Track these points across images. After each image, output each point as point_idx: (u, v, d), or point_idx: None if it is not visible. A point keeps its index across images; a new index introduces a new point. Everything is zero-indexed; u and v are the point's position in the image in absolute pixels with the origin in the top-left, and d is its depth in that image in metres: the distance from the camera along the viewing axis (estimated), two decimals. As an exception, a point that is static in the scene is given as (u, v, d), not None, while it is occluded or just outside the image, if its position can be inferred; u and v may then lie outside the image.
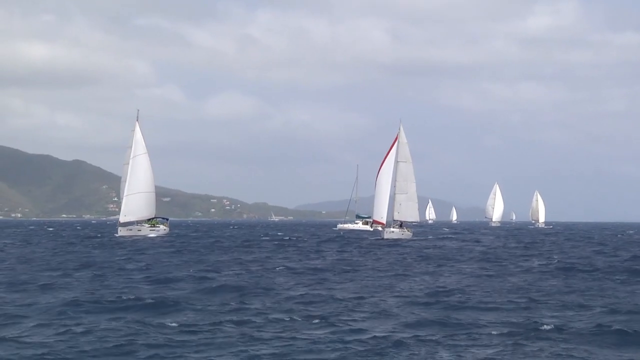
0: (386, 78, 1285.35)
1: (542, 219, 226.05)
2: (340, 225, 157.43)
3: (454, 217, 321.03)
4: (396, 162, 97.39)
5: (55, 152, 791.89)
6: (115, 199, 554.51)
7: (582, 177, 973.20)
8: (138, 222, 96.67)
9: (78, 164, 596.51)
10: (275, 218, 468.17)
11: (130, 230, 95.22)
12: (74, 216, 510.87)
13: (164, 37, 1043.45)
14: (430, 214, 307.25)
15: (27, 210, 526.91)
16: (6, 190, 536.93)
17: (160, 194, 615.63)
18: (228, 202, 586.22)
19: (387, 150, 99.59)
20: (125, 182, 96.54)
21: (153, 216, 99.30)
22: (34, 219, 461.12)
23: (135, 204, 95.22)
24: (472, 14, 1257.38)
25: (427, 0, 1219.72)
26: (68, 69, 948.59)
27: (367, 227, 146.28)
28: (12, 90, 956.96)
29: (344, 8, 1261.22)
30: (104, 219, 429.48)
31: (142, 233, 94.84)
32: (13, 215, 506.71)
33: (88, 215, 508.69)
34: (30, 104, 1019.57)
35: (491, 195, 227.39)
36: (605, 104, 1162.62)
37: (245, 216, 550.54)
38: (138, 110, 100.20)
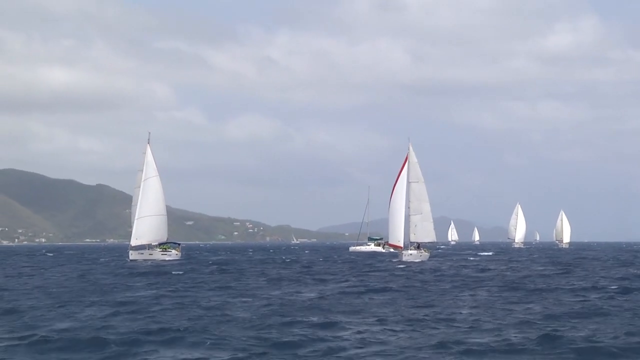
0: (407, 98, 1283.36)
1: (566, 239, 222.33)
2: (352, 248, 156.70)
3: (477, 237, 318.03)
4: (408, 182, 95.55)
5: (78, 176, 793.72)
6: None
7: (606, 196, 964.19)
8: (149, 247, 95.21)
9: (101, 188, 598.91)
10: (296, 240, 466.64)
11: (142, 254, 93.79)
12: (98, 240, 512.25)
13: (184, 60, 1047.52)
14: (453, 235, 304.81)
15: (51, 235, 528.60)
16: (30, 216, 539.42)
17: (184, 217, 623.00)
18: (251, 225, 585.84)
19: (399, 172, 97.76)
20: (137, 205, 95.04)
21: (165, 240, 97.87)
22: (60, 243, 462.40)
23: (146, 227, 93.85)
24: (492, 33, 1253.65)
25: (447, 19, 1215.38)
26: (89, 93, 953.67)
27: (380, 249, 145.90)
28: (34, 115, 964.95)
29: (363, 29, 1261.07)
30: (127, 242, 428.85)
31: (153, 257, 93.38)
32: (37, 240, 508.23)
33: (111, 240, 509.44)
34: (52, 128, 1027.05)
35: (513, 216, 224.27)
36: (628, 122, 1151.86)
37: (268, 239, 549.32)
38: (149, 132, 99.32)
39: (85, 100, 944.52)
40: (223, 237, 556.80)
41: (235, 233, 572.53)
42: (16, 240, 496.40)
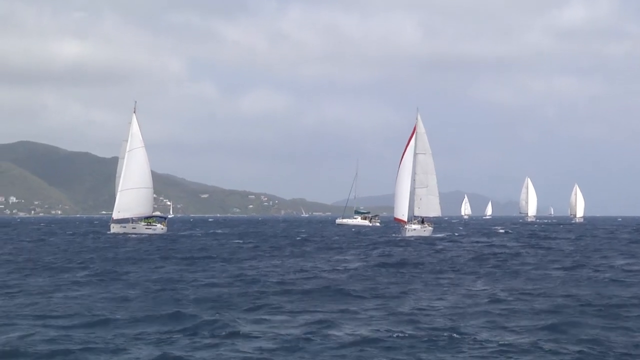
0: (420, 73, 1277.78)
1: (580, 213, 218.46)
2: (339, 221, 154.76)
3: (489, 212, 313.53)
4: (415, 154, 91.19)
5: (94, 149, 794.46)
6: (154, 195, 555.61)
7: (622, 171, 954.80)
8: (134, 220, 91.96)
9: (116, 161, 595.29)
10: (305, 214, 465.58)
11: (124, 227, 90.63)
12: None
13: (196, 33, 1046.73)
14: (466, 209, 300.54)
15: (67, 207, 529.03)
16: (46, 188, 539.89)
17: (199, 190, 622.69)
18: (266, 199, 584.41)
19: (406, 143, 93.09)
20: (121, 177, 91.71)
21: (150, 214, 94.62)
22: (78, 215, 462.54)
23: (130, 200, 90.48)
24: (506, 7, 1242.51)
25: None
26: (102, 67, 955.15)
27: (366, 222, 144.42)
28: (48, 88, 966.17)
29: (375, 2, 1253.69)
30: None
31: (137, 231, 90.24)
32: (53, 212, 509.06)
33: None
34: (66, 101, 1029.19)
35: (523, 190, 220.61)
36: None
37: (283, 212, 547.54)
38: (135, 101, 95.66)
39: (98, 74, 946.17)
40: (238, 210, 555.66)
41: (250, 206, 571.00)
42: (32, 212, 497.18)
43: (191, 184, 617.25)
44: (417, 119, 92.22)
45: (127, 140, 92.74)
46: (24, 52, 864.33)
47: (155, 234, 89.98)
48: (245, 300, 26.10)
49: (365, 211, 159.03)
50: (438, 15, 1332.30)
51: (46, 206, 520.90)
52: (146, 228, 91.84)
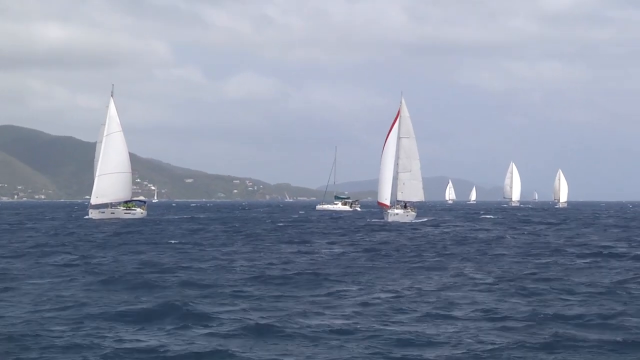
0: (406, 57, 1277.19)
1: (563, 198, 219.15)
2: (319, 206, 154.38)
3: (473, 197, 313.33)
4: (398, 138, 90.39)
5: (77, 133, 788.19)
6: (138, 180, 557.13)
7: (606, 156, 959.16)
8: (112, 205, 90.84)
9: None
10: (289, 199, 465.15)
11: (103, 212, 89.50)
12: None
13: (181, 17, 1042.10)
14: (450, 194, 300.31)
15: (50, 191, 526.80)
16: (30, 172, 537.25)
17: (183, 175, 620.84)
18: (251, 183, 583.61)
19: (390, 126, 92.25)
20: (98, 161, 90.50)
21: (129, 198, 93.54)
22: (62, 200, 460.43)
23: (108, 185, 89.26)
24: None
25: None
26: (87, 50, 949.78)
27: (347, 208, 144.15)
28: (32, 72, 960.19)
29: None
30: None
31: (115, 216, 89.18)
32: (37, 196, 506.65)
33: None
34: (51, 85, 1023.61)
35: (507, 175, 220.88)
36: (629, 82, 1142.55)
37: (267, 197, 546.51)
38: (113, 85, 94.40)
39: (83, 57, 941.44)
40: (222, 194, 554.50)
41: (235, 191, 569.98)
42: (15, 196, 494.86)
43: (176, 168, 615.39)
44: (401, 102, 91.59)
45: (104, 124, 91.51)
46: (8, 35, 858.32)
47: (135, 219, 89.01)
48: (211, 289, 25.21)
49: (345, 196, 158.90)
50: (424, 0, 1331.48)
51: (30, 191, 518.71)
52: (125, 213, 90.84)
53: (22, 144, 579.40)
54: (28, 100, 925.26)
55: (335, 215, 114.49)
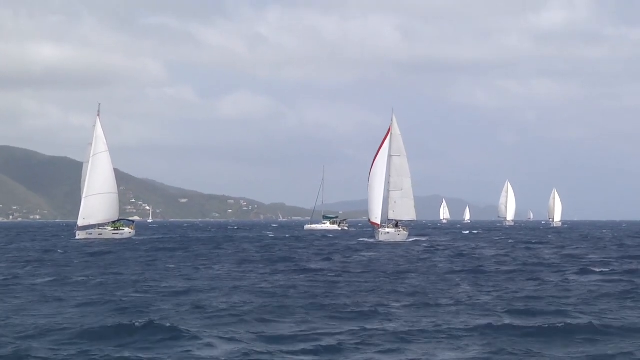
0: (399, 75, 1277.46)
1: (557, 217, 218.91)
2: (307, 226, 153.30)
3: (467, 216, 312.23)
4: (389, 156, 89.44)
5: (72, 153, 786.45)
6: (133, 200, 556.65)
7: (601, 175, 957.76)
8: (100, 226, 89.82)
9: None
10: (282, 218, 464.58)
11: (91, 234, 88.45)
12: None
13: (174, 36, 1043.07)
14: (445, 214, 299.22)
15: (45, 212, 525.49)
16: (25, 192, 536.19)
17: (178, 195, 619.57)
18: (245, 203, 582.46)
19: (380, 144, 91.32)
20: (85, 182, 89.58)
21: (116, 219, 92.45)
22: (57, 220, 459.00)
23: (95, 206, 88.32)
24: (485, 10, 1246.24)
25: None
26: (80, 70, 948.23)
27: (335, 227, 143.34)
28: (26, 92, 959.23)
29: (354, 5, 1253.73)
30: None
31: (103, 237, 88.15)
32: (32, 217, 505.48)
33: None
34: (45, 105, 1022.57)
35: (503, 194, 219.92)
36: (622, 100, 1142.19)
37: (262, 217, 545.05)
38: (99, 104, 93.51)
39: (76, 77, 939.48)
40: (217, 214, 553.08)
41: (230, 211, 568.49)
42: (11, 217, 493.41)
43: (170, 188, 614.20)
44: (392, 120, 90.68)
45: (92, 144, 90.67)
46: (1, 55, 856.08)
47: (123, 239, 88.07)
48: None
49: (333, 216, 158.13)
50: (417, 18, 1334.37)
51: (25, 211, 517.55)
52: (113, 233, 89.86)
53: (17, 164, 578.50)
54: (22, 120, 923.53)
55: (322, 235, 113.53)
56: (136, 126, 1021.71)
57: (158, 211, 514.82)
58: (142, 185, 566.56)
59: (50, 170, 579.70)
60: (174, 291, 30.55)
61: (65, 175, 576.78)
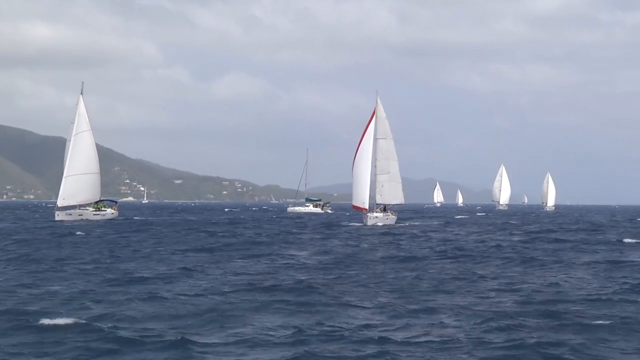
0: (394, 59, 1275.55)
1: (551, 202, 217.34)
2: (290, 209, 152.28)
3: (460, 200, 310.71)
4: (375, 139, 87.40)
5: (67, 133, 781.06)
6: (127, 180, 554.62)
7: (595, 160, 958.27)
8: (81, 206, 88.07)
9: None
10: (274, 200, 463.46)
11: (70, 215, 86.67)
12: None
13: (168, 17, 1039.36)
14: (438, 197, 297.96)
15: (39, 192, 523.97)
16: (19, 172, 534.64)
17: (172, 176, 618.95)
18: (240, 185, 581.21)
19: (365, 128, 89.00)
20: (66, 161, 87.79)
21: (98, 199, 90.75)
22: (52, 200, 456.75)
23: (76, 186, 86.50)
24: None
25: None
26: (75, 50, 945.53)
27: (318, 210, 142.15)
28: (20, 71, 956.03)
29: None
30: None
31: (84, 217, 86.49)
32: (26, 197, 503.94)
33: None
34: (39, 85, 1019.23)
35: (497, 178, 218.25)
36: (618, 86, 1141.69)
37: (256, 199, 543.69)
38: (83, 82, 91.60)
39: (71, 57, 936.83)
40: (212, 196, 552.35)
41: (224, 192, 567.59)
42: (4, 196, 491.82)
43: (165, 169, 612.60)
44: (376, 102, 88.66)
45: (74, 122, 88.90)
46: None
47: (104, 220, 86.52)
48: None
49: (316, 199, 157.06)
50: (412, 2, 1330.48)
51: (19, 191, 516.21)
52: (94, 214, 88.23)
53: (11, 144, 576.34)
54: (16, 100, 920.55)
55: (296, 217, 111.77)
56: (131, 107, 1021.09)
57: (152, 192, 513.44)
58: (137, 166, 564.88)
59: (44, 150, 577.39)
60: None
61: (60, 155, 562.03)
